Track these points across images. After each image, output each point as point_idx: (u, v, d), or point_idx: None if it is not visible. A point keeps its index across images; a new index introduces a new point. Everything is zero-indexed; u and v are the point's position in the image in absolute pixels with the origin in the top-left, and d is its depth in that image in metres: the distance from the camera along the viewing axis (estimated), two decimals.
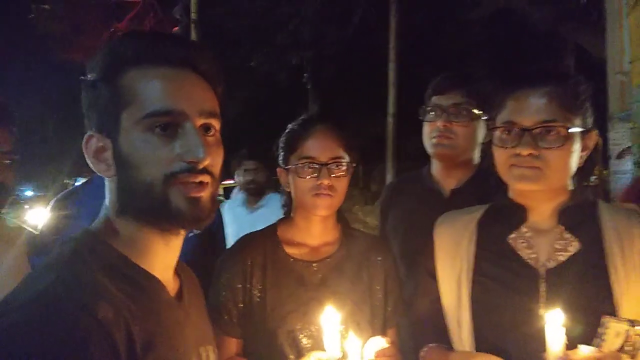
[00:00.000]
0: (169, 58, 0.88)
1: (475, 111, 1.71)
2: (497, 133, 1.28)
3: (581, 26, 6.41)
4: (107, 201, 0.92)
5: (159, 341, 0.84)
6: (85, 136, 0.90)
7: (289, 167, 1.48)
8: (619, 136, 3.30)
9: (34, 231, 1.86)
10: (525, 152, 1.20)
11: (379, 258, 1.53)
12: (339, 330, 1.17)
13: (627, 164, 3.17)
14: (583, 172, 1.31)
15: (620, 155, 3.30)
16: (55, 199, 1.93)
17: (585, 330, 1.12)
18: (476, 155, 1.82)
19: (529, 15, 6.92)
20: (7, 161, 1.69)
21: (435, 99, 1.79)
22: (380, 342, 1.29)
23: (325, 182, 1.41)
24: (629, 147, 3.12)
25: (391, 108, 6.81)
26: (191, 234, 1.01)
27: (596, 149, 1.31)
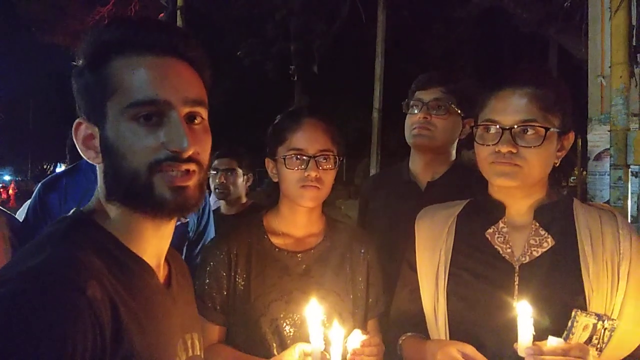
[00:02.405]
0: (154, 46, 0.86)
1: (454, 106, 1.82)
2: (479, 131, 1.32)
3: (564, 29, 6.52)
4: (98, 185, 0.93)
5: (145, 325, 0.85)
6: (75, 122, 0.90)
7: (277, 157, 1.51)
8: (598, 138, 3.38)
9: (14, 215, 1.85)
10: (504, 149, 1.24)
11: (362, 250, 1.57)
12: (321, 321, 1.20)
13: (605, 166, 3.25)
14: (560, 171, 1.36)
15: (598, 157, 3.38)
16: (42, 183, 1.91)
17: (556, 323, 1.18)
18: (453, 151, 1.92)
19: (516, 16, 7.01)
20: None
21: (418, 94, 1.89)
22: (361, 336, 1.31)
23: (313, 174, 1.44)
24: (607, 149, 3.19)
25: (377, 103, 6.83)
26: (179, 223, 1.02)
27: (576, 151, 1.36)
